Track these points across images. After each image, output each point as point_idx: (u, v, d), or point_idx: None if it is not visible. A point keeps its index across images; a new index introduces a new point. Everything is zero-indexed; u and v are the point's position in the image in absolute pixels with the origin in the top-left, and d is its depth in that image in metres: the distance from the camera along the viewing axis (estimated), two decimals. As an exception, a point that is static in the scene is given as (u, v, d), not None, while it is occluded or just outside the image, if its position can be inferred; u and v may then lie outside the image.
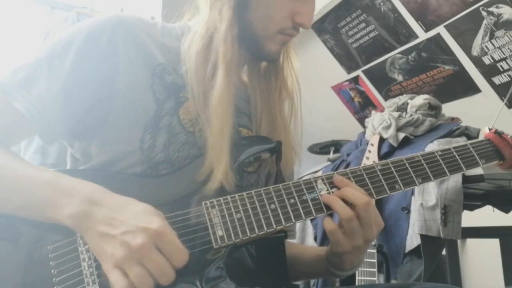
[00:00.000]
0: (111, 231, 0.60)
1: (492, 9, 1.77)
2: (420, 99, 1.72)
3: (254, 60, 0.88)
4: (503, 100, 1.95)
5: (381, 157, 1.59)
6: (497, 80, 1.94)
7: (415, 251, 1.43)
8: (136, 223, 0.60)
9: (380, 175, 0.74)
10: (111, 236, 0.60)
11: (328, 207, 0.71)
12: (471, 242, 2.38)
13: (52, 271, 0.62)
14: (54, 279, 0.61)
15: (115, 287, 0.58)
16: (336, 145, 2.50)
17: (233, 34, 0.76)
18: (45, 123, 0.71)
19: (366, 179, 0.73)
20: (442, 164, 0.77)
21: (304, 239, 1.81)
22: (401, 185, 0.74)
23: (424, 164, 0.76)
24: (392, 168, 0.75)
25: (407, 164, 0.76)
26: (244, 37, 0.80)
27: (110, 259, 0.59)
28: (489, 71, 1.94)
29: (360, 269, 1.42)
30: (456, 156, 0.79)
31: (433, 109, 1.72)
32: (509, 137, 0.86)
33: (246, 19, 0.78)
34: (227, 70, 0.74)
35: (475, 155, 0.81)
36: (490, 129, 0.87)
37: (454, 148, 0.80)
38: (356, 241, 0.71)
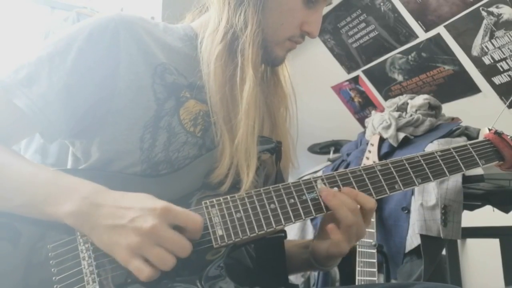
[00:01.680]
0: (120, 222, 0.60)
1: (492, 9, 1.77)
2: (420, 99, 1.72)
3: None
4: (503, 100, 1.95)
5: (381, 157, 1.60)
6: (497, 80, 1.94)
7: (415, 251, 1.43)
8: (141, 206, 0.61)
9: (379, 175, 0.74)
10: (120, 226, 0.60)
11: (328, 208, 0.71)
12: (471, 242, 2.38)
13: (52, 270, 0.62)
14: (54, 278, 0.61)
15: (140, 275, 0.59)
16: (336, 145, 2.50)
17: (259, 37, 0.77)
18: (46, 121, 0.71)
19: (366, 179, 0.74)
20: (442, 164, 0.77)
21: (304, 238, 1.82)
22: (400, 185, 0.74)
23: (424, 165, 0.76)
24: (391, 168, 0.75)
25: (406, 165, 0.76)
26: None
27: (125, 249, 0.59)
28: (489, 71, 1.94)
29: (360, 269, 1.42)
30: (456, 156, 0.79)
31: (433, 109, 1.72)
32: (508, 137, 0.86)
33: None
34: (255, 72, 0.75)
35: (475, 155, 0.81)
36: (490, 130, 0.87)
37: (453, 148, 0.80)
38: (352, 242, 0.74)
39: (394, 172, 0.75)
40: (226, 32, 0.77)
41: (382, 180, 0.74)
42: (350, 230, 0.71)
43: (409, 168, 0.75)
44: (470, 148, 0.81)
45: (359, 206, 0.71)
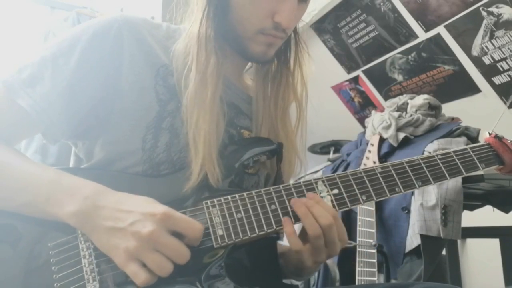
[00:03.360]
0: (119, 225, 0.60)
1: (492, 9, 1.77)
2: (420, 99, 1.72)
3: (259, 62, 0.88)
4: (503, 100, 1.95)
5: (381, 157, 1.60)
6: (497, 80, 1.94)
7: (415, 251, 1.43)
8: (141, 211, 0.61)
9: (380, 178, 0.74)
10: (120, 229, 0.60)
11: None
12: (471, 242, 2.38)
13: (53, 267, 0.62)
14: (54, 276, 0.62)
15: (136, 279, 0.59)
16: (336, 145, 2.50)
17: (206, 33, 0.75)
18: (49, 121, 0.71)
19: (366, 181, 0.74)
20: (442, 167, 0.78)
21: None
22: (401, 187, 0.74)
23: (424, 168, 0.77)
24: (392, 171, 0.75)
25: (407, 167, 0.76)
26: (230, 39, 0.80)
27: (123, 252, 0.59)
28: (489, 71, 1.94)
29: (360, 269, 1.42)
30: (456, 160, 0.79)
31: (433, 109, 1.72)
32: (509, 142, 0.86)
33: (228, 21, 0.78)
34: (198, 69, 0.74)
35: (475, 159, 0.81)
36: (490, 134, 0.87)
37: (454, 152, 0.80)
38: (320, 258, 0.72)
39: (395, 175, 0.75)
40: (188, 33, 0.78)
41: (383, 182, 0.74)
42: (317, 243, 0.70)
43: (409, 171, 0.76)
44: (471, 152, 0.82)
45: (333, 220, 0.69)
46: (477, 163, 0.81)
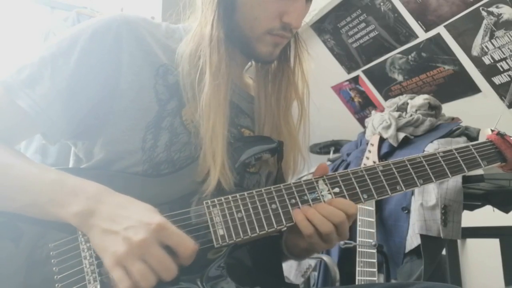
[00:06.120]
0: (114, 227, 0.60)
1: (492, 9, 1.77)
2: (420, 99, 1.72)
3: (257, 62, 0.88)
4: (503, 100, 1.95)
5: (381, 157, 1.60)
6: (497, 80, 1.94)
7: (415, 251, 1.43)
8: (139, 218, 0.61)
9: (381, 176, 0.74)
10: (114, 232, 0.60)
11: None
12: (471, 242, 2.38)
13: (54, 268, 0.62)
14: (55, 277, 0.62)
15: (119, 285, 0.59)
16: (336, 145, 2.50)
17: (218, 36, 0.75)
18: (49, 121, 0.71)
19: (368, 179, 0.73)
20: (444, 165, 0.77)
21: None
22: (402, 186, 0.74)
23: (426, 165, 0.76)
24: (393, 169, 0.75)
25: (408, 165, 0.76)
26: (235, 38, 0.79)
27: (112, 255, 0.59)
28: (489, 71, 1.94)
29: (360, 269, 1.42)
30: (458, 157, 0.79)
31: (433, 109, 1.72)
32: (511, 138, 0.86)
33: (235, 21, 0.77)
34: (213, 73, 0.73)
35: (477, 156, 0.81)
36: (492, 131, 0.87)
37: (455, 149, 0.80)
38: (332, 244, 0.73)
39: (396, 173, 0.75)
40: (197, 32, 0.77)
41: (384, 181, 0.74)
42: (329, 237, 0.71)
43: (411, 169, 0.75)
44: (472, 149, 0.81)
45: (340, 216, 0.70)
46: (479, 160, 0.81)
